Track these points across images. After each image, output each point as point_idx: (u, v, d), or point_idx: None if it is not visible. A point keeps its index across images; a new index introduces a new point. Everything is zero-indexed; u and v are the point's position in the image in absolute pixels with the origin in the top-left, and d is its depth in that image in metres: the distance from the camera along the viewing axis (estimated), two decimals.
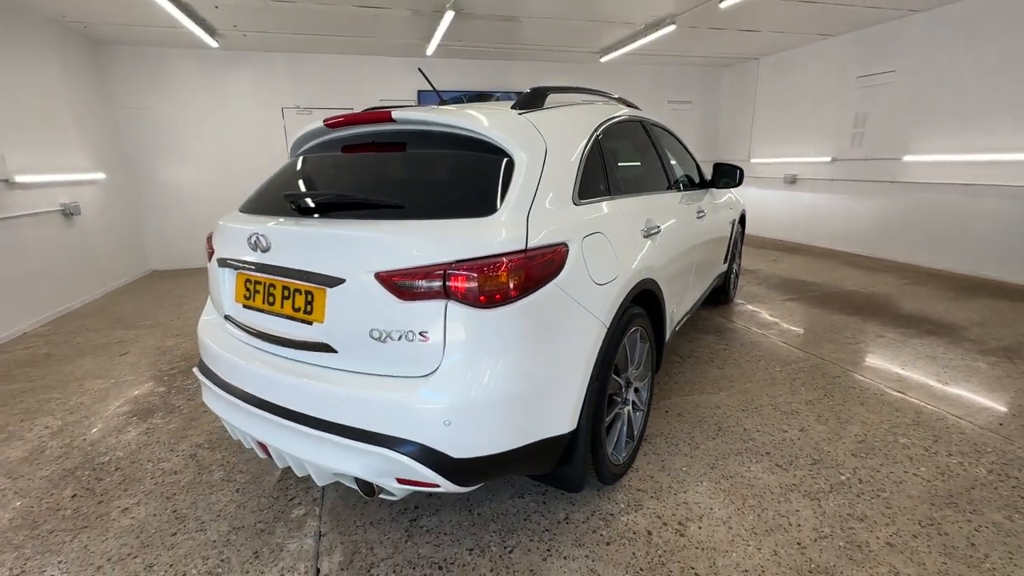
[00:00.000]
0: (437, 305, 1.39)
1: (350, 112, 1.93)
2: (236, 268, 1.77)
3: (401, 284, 1.39)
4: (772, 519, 1.84)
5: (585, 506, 1.94)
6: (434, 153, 1.74)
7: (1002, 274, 5.14)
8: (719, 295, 4.33)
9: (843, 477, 2.07)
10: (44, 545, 1.82)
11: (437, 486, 1.43)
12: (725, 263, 4.00)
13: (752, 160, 8.40)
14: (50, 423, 2.71)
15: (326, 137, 2.07)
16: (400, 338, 1.41)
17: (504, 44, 6.67)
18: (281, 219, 1.68)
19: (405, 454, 1.38)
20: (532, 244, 1.46)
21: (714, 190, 3.52)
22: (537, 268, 1.47)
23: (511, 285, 1.40)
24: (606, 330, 1.71)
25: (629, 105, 2.83)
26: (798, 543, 1.73)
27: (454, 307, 1.38)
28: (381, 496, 1.60)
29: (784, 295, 4.83)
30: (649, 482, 2.07)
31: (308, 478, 2.17)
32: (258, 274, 1.70)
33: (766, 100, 8.08)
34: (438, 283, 1.38)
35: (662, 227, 2.31)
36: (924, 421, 2.48)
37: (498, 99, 2.65)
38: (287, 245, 1.58)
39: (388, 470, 1.43)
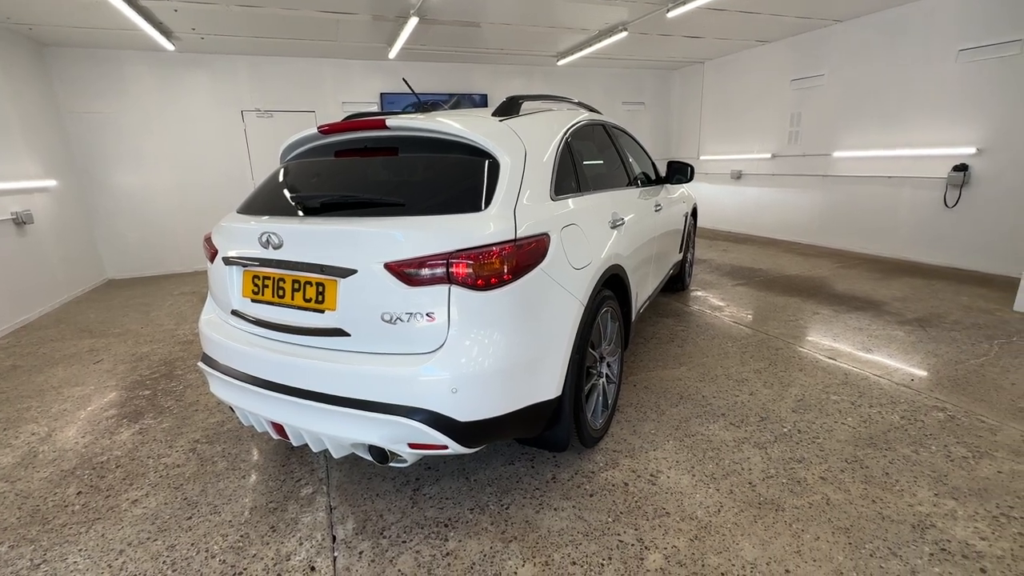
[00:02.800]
0: (441, 289, 1.59)
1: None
2: (244, 266, 1.91)
3: (409, 272, 1.59)
4: (728, 466, 2.15)
5: (569, 467, 2.19)
6: (426, 157, 1.94)
7: (919, 256, 5.79)
8: (676, 283, 4.70)
9: (785, 429, 2.42)
10: (60, 537, 1.90)
11: (446, 448, 1.64)
12: (680, 253, 4.37)
13: (701, 157, 8.95)
14: (36, 430, 2.72)
15: (318, 143, 2.22)
16: (409, 319, 1.61)
17: (466, 48, 6.86)
18: (290, 218, 1.84)
19: (418, 420, 1.58)
20: (520, 234, 1.69)
21: (668, 186, 3.85)
22: (525, 255, 1.70)
23: (505, 270, 1.63)
24: (583, 309, 1.96)
25: (590, 109, 3.10)
26: (749, 483, 2.04)
27: (457, 290, 1.59)
28: (391, 464, 1.80)
29: (733, 281, 5.28)
30: (623, 444, 2.35)
31: (312, 461, 2.33)
32: (267, 270, 1.85)
33: (712, 101, 8.64)
34: (441, 270, 1.58)
35: (626, 219, 2.59)
36: (851, 381, 2.89)
37: (458, 101, 2.87)
38: (299, 242, 1.74)
39: (402, 436, 1.63)
